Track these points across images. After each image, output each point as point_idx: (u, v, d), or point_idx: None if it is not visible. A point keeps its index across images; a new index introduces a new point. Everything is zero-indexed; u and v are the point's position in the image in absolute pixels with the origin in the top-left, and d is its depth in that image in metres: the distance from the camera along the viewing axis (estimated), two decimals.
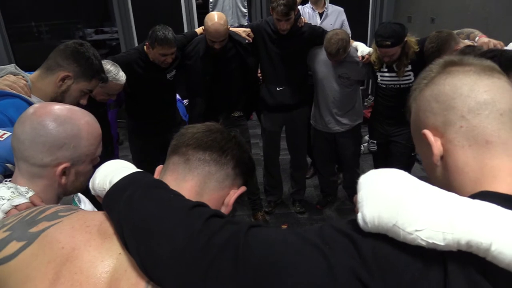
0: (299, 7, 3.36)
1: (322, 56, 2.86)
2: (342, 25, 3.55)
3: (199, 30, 2.86)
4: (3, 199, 0.87)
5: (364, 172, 0.69)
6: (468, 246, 0.52)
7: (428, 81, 0.73)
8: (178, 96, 3.51)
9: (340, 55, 2.71)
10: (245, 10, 4.78)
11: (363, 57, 2.74)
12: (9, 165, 1.04)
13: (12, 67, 1.46)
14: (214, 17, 2.58)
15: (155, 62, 2.58)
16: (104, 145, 2.44)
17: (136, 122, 2.87)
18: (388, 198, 0.56)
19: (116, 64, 2.29)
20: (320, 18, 3.52)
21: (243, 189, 0.86)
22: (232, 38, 2.78)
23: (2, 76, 1.40)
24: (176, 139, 0.86)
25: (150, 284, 0.65)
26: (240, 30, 2.87)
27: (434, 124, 0.70)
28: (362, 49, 2.77)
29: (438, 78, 0.72)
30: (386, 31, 2.48)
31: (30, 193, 0.93)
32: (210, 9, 4.74)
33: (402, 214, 0.54)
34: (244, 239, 0.59)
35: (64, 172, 0.98)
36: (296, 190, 3.44)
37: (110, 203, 0.73)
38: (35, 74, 1.49)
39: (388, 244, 0.56)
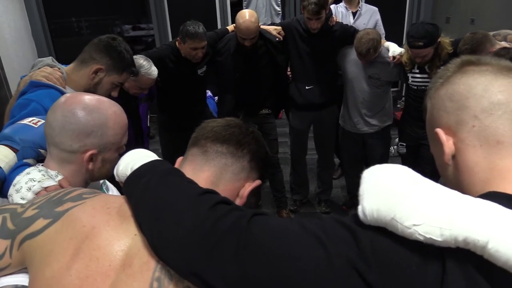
0: (332, 6, 3.35)
1: (352, 55, 2.84)
2: (375, 25, 3.51)
3: (230, 27, 2.91)
4: (34, 181, 0.93)
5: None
6: (465, 243, 0.52)
7: (444, 80, 0.73)
8: (209, 93, 3.58)
9: (371, 55, 2.68)
10: (278, 9, 4.79)
11: (394, 57, 2.70)
12: (42, 151, 1.10)
13: (49, 59, 1.54)
14: (245, 14, 2.62)
15: (186, 57, 2.65)
16: (134, 138, 2.54)
17: (167, 117, 2.95)
18: (388, 192, 0.57)
19: (149, 59, 2.37)
20: (353, 17, 3.49)
21: (258, 182, 0.88)
22: (262, 36, 2.81)
23: (39, 68, 1.48)
24: (197, 132, 0.90)
25: (160, 264, 0.69)
26: (271, 28, 2.89)
27: (447, 123, 0.70)
28: (393, 49, 2.74)
29: (454, 77, 0.72)
30: (418, 32, 2.43)
31: (59, 177, 0.99)
32: (244, 7, 4.78)
33: (400, 208, 0.55)
34: (247, 226, 0.62)
35: (91, 159, 1.03)
36: (322, 190, 3.43)
37: (129, 188, 0.77)
38: (70, 66, 1.56)
39: (387, 237, 0.57)
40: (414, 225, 0.54)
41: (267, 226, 0.63)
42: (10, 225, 0.81)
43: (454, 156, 0.70)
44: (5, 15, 4.36)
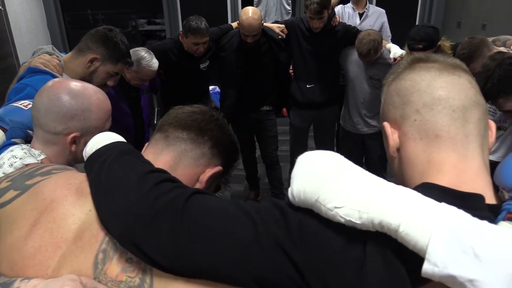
0: (339, 6, 3.38)
1: (354, 56, 2.86)
2: (382, 27, 3.52)
3: (234, 24, 2.96)
4: (16, 158, 1.00)
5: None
6: (380, 226, 0.55)
7: (395, 76, 0.77)
8: (217, 89, 3.63)
9: (371, 56, 2.70)
10: (289, 8, 4.82)
11: (395, 59, 2.72)
12: (30, 132, 1.16)
13: (49, 47, 1.61)
14: (249, 11, 2.67)
15: (189, 51, 2.71)
16: (135, 127, 2.61)
17: (168, 109, 3.00)
18: (314, 175, 0.61)
19: (150, 52, 2.43)
20: (360, 18, 3.51)
21: (218, 168, 0.91)
22: (266, 33, 2.85)
23: (39, 55, 1.55)
24: (163, 118, 0.94)
25: (108, 236, 0.73)
26: (274, 26, 2.93)
27: (394, 117, 0.73)
28: (395, 51, 2.75)
29: (403, 74, 0.75)
30: (418, 34, 2.45)
31: (42, 156, 1.05)
32: (255, 5, 4.82)
33: (324, 191, 0.59)
34: (185, 202, 0.66)
35: (74, 141, 1.09)
36: None
37: (89, 165, 0.82)
38: (68, 55, 1.63)
39: (315, 219, 0.61)
40: (336, 207, 0.58)
41: (204, 204, 0.67)
42: None
43: (399, 149, 0.73)
44: (21, 5, 4.49)
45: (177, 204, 0.66)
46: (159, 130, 0.91)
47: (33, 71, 1.46)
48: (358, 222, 0.57)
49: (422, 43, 2.43)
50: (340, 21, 2.97)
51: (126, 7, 5.79)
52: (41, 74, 1.44)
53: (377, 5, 3.88)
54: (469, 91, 0.69)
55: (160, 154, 0.87)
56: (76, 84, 1.11)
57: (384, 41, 2.83)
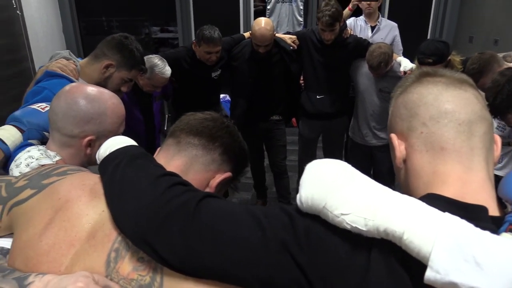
0: (352, 18, 3.40)
1: (364, 68, 2.88)
2: (393, 41, 3.53)
3: (247, 34, 3.00)
4: (33, 158, 1.03)
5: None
6: (385, 234, 0.57)
7: (403, 90, 0.79)
8: (228, 97, 3.66)
9: (382, 69, 2.72)
10: (301, 19, 4.87)
11: (405, 72, 2.74)
12: (46, 133, 1.20)
13: (66, 52, 1.66)
14: (261, 22, 2.71)
15: (201, 60, 2.75)
16: (146, 133, 2.65)
17: (179, 116, 3.05)
18: (323, 182, 0.63)
19: (163, 59, 2.48)
20: (372, 31, 3.53)
21: (227, 174, 0.93)
22: (277, 44, 2.89)
23: (56, 60, 1.60)
24: (175, 124, 0.96)
25: (120, 236, 0.76)
26: (286, 37, 2.97)
27: (401, 129, 0.75)
28: (405, 64, 2.77)
29: (410, 87, 0.77)
30: (428, 49, 2.47)
31: (57, 158, 1.08)
32: (267, 16, 4.87)
33: (332, 198, 0.61)
34: (197, 204, 0.68)
35: (89, 144, 1.12)
36: None
37: (103, 168, 0.85)
38: (84, 60, 1.67)
39: (322, 225, 0.63)
40: (342, 214, 0.60)
41: (215, 207, 0.69)
42: (3, 192, 0.91)
43: (405, 161, 0.75)
44: (39, 11, 4.59)
45: (188, 206, 0.68)
46: (171, 135, 0.94)
47: (51, 75, 1.50)
48: (363, 229, 0.59)
49: (432, 57, 2.44)
50: (352, 33, 3.00)
51: (140, 15, 5.87)
52: (58, 78, 1.49)
53: (389, 18, 3.88)
54: (475, 106, 0.71)
55: (172, 159, 0.90)
56: (92, 89, 1.14)
57: (394, 55, 2.86)
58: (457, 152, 0.68)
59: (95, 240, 0.78)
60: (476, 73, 2.29)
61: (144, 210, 0.70)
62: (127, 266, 0.74)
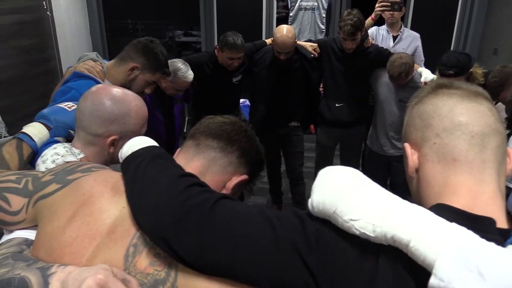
0: (374, 27, 3.41)
1: (385, 78, 2.88)
2: (415, 51, 3.51)
3: (268, 40, 3.04)
4: (58, 155, 1.08)
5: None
6: (393, 241, 0.59)
7: (418, 100, 0.80)
8: (247, 102, 3.70)
9: (402, 79, 2.71)
10: (323, 27, 4.88)
11: (425, 83, 2.72)
12: (72, 132, 1.25)
13: (93, 54, 1.72)
14: (283, 29, 2.75)
15: (223, 65, 2.80)
16: (166, 134, 2.70)
17: (199, 119, 3.09)
18: (334, 188, 0.65)
19: (186, 63, 2.53)
20: (394, 41, 3.52)
21: (244, 177, 0.96)
22: (298, 51, 2.92)
23: (84, 61, 1.66)
24: (195, 126, 1.00)
25: (139, 232, 0.80)
26: (307, 45, 3.00)
27: (414, 139, 0.77)
28: (426, 75, 2.76)
29: (426, 98, 0.78)
30: (449, 60, 2.45)
31: (81, 155, 1.13)
32: (289, 23, 4.90)
33: (342, 203, 0.63)
34: (213, 205, 0.72)
35: (113, 143, 1.17)
36: None
37: (125, 166, 0.89)
38: (111, 62, 1.73)
39: (332, 230, 0.65)
40: (352, 219, 0.62)
41: (230, 208, 0.72)
42: (30, 186, 0.96)
43: (417, 170, 0.77)
44: (67, 12, 4.73)
45: (205, 206, 0.71)
46: (191, 137, 0.98)
47: (78, 75, 1.56)
48: (372, 235, 0.61)
49: (453, 69, 2.43)
50: (373, 42, 3.00)
51: (165, 18, 5.98)
52: (85, 79, 1.54)
53: (412, 29, 3.86)
54: (489, 119, 0.72)
55: (191, 160, 0.93)
56: (117, 91, 1.19)
57: (415, 65, 2.85)
58: (469, 164, 0.70)
59: (115, 234, 0.82)
60: (498, 86, 2.27)
61: (162, 208, 0.74)
62: (144, 261, 0.77)
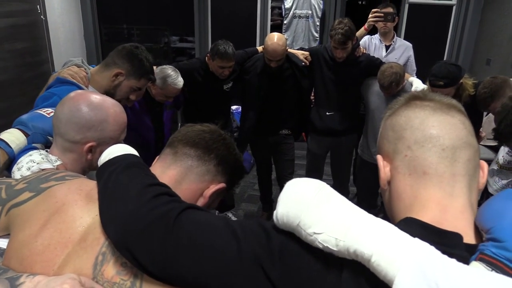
0: (367, 36, 3.41)
1: (376, 87, 2.88)
2: (407, 61, 3.52)
3: (260, 48, 3.04)
4: (34, 162, 1.07)
5: None
6: (355, 255, 0.58)
7: (392, 112, 0.79)
8: (240, 109, 3.70)
9: (393, 88, 2.72)
10: (317, 35, 4.90)
11: None
12: (50, 138, 1.24)
13: (79, 60, 1.71)
14: (274, 37, 2.75)
15: (214, 72, 2.79)
16: (155, 141, 2.68)
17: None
18: (298, 200, 0.64)
19: (177, 70, 2.52)
20: (386, 50, 3.52)
21: (221, 185, 0.96)
22: (290, 59, 2.92)
23: (68, 66, 1.65)
24: (173, 135, 0.99)
25: (108, 241, 0.79)
26: (298, 53, 3.00)
27: (387, 151, 0.76)
28: (416, 85, 2.77)
29: (399, 110, 0.77)
30: (440, 71, 2.46)
31: (58, 162, 1.11)
32: (283, 31, 4.92)
33: (305, 216, 0.62)
34: (178, 215, 0.71)
35: (90, 150, 1.15)
36: None
37: (100, 174, 0.88)
38: (95, 68, 1.72)
39: (296, 243, 0.64)
40: (315, 233, 0.61)
41: (195, 219, 0.71)
42: (3, 194, 0.94)
43: (389, 183, 0.76)
44: (62, 16, 4.72)
45: (170, 216, 0.70)
46: (169, 145, 0.97)
47: (61, 81, 1.55)
48: (335, 249, 0.60)
49: (443, 80, 2.44)
50: (365, 51, 3.01)
51: (160, 24, 5.99)
52: (68, 85, 1.53)
53: (405, 39, 3.86)
54: (460, 132, 0.71)
55: (168, 168, 0.92)
56: (95, 97, 1.18)
57: (406, 74, 2.85)
58: (439, 177, 0.69)
59: (86, 242, 0.81)
60: (488, 97, 2.27)
61: (127, 217, 0.73)
62: (111, 270, 0.76)
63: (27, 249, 0.83)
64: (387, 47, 3.51)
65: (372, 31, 3.44)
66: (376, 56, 3.24)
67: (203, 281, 0.66)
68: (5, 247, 0.90)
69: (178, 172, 0.92)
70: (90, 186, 0.91)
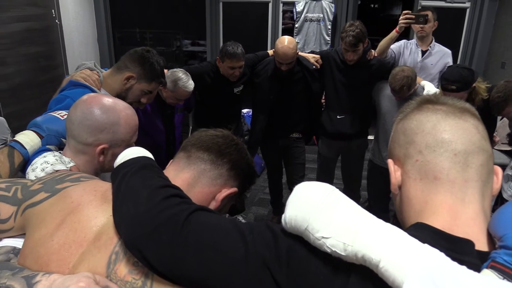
0: (403, 40, 3.32)
1: (387, 90, 2.86)
2: (444, 67, 3.27)
3: (270, 52, 3.04)
4: (48, 163, 1.09)
5: None
6: (363, 260, 0.58)
7: (403, 116, 0.78)
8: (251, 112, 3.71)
9: (404, 92, 2.70)
10: (328, 38, 4.89)
11: None
12: (63, 140, 1.26)
13: (91, 63, 1.73)
14: (285, 40, 2.75)
15: (224, 75, 2.81)
16: (166, 143, 2.70)
17: (200, 128, 3.11)
18: (307, 205, 0.64)
19: (188, 73, 2.54)
20: (422, 55, 3.30)
21: (233, 189, 0.97)
22: (300, 62, 2.92)
23: (81, 70, 1.67)
24: (187, 139, 1.01)
25: (121, 240, 0.80)
26: (309, 56, 3.00)
27: (398, 155, 0.75)
28: (428, 88, 2.74)
29: (411, 114, 0.76)
30: (452, 75, 2.44)
31: (71, 164, 1.13)
32: (295, 34, 4.93)
33: (314, 220, 0.62)
34: (187, 217, 0.71)
35: (102, 152, 1.17)
36: None
37: (114, 175, 0.89)
38: (107, 71, 1.74)
39: (304, 246, 0.64)
40: (323, 237, 0.61)
41: (204, 220, 0.72)
42: (19, 194, 0.97)
43: (400, 187, 0.75)
44: (76, 21, 4.80)
45: (179, 217, 0.71)
46: (183, 149, 0.99)
47: (74, 84, 1.57)
48: (343, 253, 0.59)
49: (455, 84, 2.41)
50: (375, 55, 2.98)
51: (173, 28, 6.04)
52: (81, 88, 1.55)
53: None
54: (473, 136, 0.70)
55: (181, 172, 0.94)
56: (108, 100, 1.20)
57: (418, 78, 2.83)
58: (450, 182, 0.68)
59: (100, 242, 0.83)
60: (502, 102, 2.25)
61: (138, 218, 0.74)
62: (124, 269, 0.78)
63: (43, 248, 0.85)
64: (423, 52, 3.31)
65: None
66: (410, 61, 3.16)
67: (210, 282, 0.67)
68: (20, 246, 0.92)
69: (191, 176, 0.93)
70: (104, 187, 0.93)
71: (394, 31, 2.95)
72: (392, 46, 3.27)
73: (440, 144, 0.69)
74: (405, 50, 3.32)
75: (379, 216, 0.78)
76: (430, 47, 3.31)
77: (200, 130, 1.04)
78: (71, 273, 0.79)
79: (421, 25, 3.12)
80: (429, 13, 3.15)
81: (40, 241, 0.86)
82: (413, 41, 3.36)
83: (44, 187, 0.95)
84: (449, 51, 3.35)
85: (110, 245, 0.81)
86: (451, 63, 3.30)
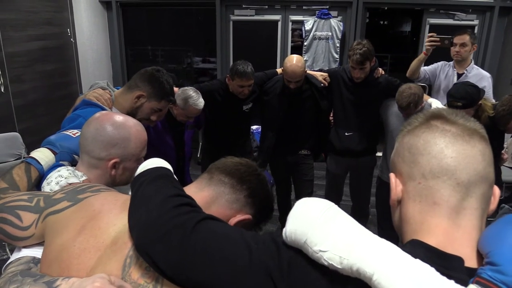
0: (441, 62, 3.33)
1: (395, 108, 2.88)
2: None
3: (279, 70, 3.10)
4: (62, 177, 1.14)
5: None
6: (358, 273, 0.61)
7: (411, 128, 0.76)
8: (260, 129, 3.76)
9: (411, 109, 2.71)
10: (336, 56, 4.95)
11: None
12: (76, 156, 1.31)
13: (104, 82, 1.79)
14: (293, 59, 2.81)
15: (234, 93, 2.86)
16: (176, 160, 2.75)
17: (211, 145, 3.16)
18: (306, 219, 0.67)
19: (198, 91, 2.60)
20: (457, 78, 3.24)
21: (247, 216, 1.00)
22: (309, 80, 2.96)
23: (94, 89, 1.74)
24: (214, 163, 1.07)
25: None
26: (317, 74, 3.05)
27: (401, 171, 0.76)
28: (435, 105, 2.76)
29: (419, 129, 0.74)
30: (458, 92, 2.46)
31: (84, 177, 1.18)
32: (304, 52, 4.99)
33: (312, 234, 0.65)
34: (195, 225, 0.75)
35: (114, 166, 1.23)
36: None
37: (133, 184, 0.95)
38: (119, 90, 1.81)
39: (304, 259, 0.67)
40: (321, 250, 0.64)
41: (212, 229, 0.76)
42: (42, 203, 1.03)
43: (399, 202, 0.76)
44: (90, 39, 4.93)
45: (188, 224, 0.75)
46: (207, 171, 1.05)
47: (87, 103, 1.63)
48: (339, 266, 0.62)
49: (461, 101, 2.43)
50: (383, 73, 3.01)
51: (184, 45, 6.16)
52: (93, 107, 1.61)
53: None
54: (478, 165, 0.69)
55: (202, 190, 0.99)
56: (119, 117, 1.26)
57: (425, 96, 2.85)
58: (449, 209, 0.68)
59: (116, 246, 0.87)
60: (506, 115, 2.26)
61: (149, 224, 0.79)
62: (137, 272, 0.83)
63: (66, 253, 0.90)
64: (459, 75, 3.26)
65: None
66: (445, 83, 3.12)
67: (214, 287, 0.70)
68: (39, 256, 0.97)
69: (210, 195, 0.98)
70: (124, 197, 0.99)
71: (422, 53, 2.95)
72: (427, 68, 3.25)
73: (444, 172, 0.69)
74: (440, 73, 3.27)
75: (388, 233, 0.78)
76: (467, 70, 3.23)
77: (227, 157, 1.09)
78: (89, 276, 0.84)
79: (456, 49, 3.11)
80: (467, 37, 3.12)
81: (63, 245, 0.91)
82: (451, 63, 3.30)
83: (66, 196, 1.02)
84: (487, 75, 3.26)
85: (125, 249, 0.86)
86: (489, 87, 3.20)
